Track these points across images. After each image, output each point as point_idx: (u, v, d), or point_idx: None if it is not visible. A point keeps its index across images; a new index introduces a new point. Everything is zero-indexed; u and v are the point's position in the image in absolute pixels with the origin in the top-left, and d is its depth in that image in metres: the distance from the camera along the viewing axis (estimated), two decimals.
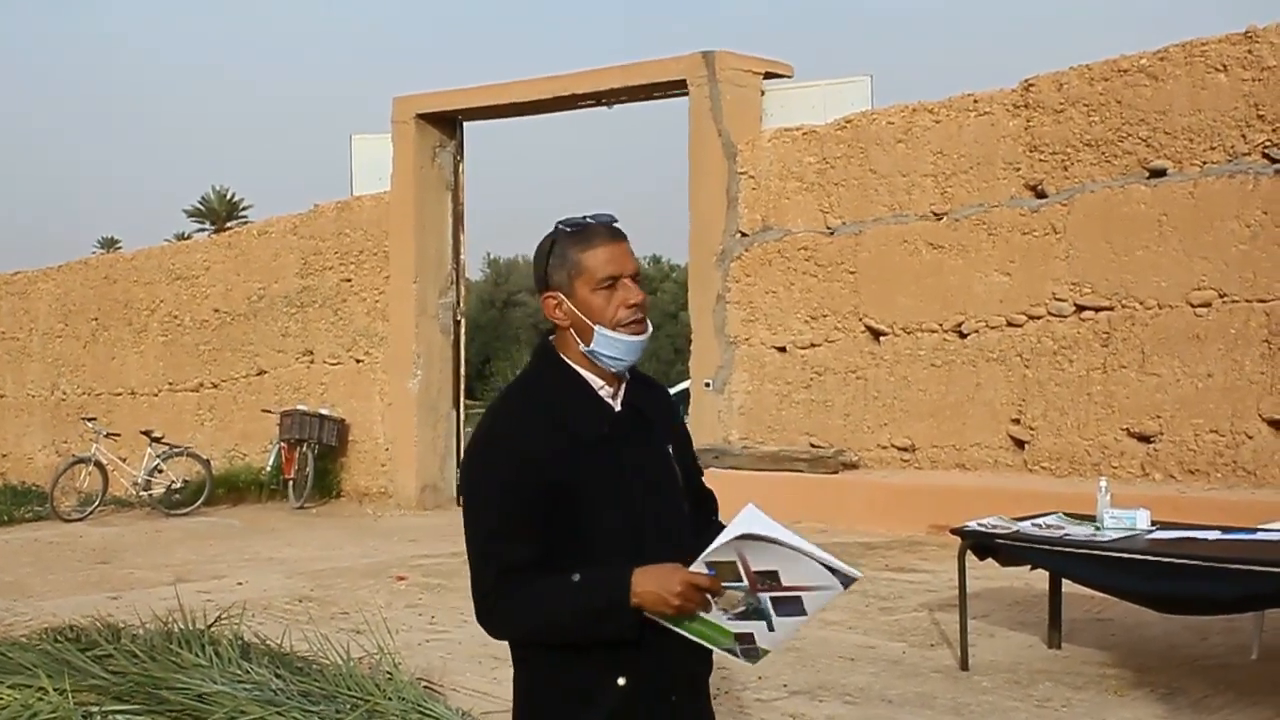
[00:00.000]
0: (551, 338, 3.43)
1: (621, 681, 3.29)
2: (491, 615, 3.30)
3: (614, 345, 3.32)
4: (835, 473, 15.55)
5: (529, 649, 3.39)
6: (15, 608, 11.72)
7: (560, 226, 3.36)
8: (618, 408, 3.40)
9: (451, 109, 19.83)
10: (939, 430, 15.28)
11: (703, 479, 3.69)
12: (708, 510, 3.61)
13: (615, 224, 3.39)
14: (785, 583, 3.22)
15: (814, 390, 16.30)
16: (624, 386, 3.43)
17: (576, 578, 3.21)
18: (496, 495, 3.26)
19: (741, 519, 3.21)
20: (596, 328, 3.30)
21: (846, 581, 3.23)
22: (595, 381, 3.38)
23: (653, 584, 3.19)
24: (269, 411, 20.71)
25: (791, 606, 3.25)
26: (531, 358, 3.47)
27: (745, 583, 3.22)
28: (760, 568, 3.20)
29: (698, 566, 3.23)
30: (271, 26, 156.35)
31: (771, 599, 3.24)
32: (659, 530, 3.34)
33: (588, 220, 3.36)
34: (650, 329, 3.40)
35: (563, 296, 3.32)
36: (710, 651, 3.43)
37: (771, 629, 3.29)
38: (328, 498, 20.31)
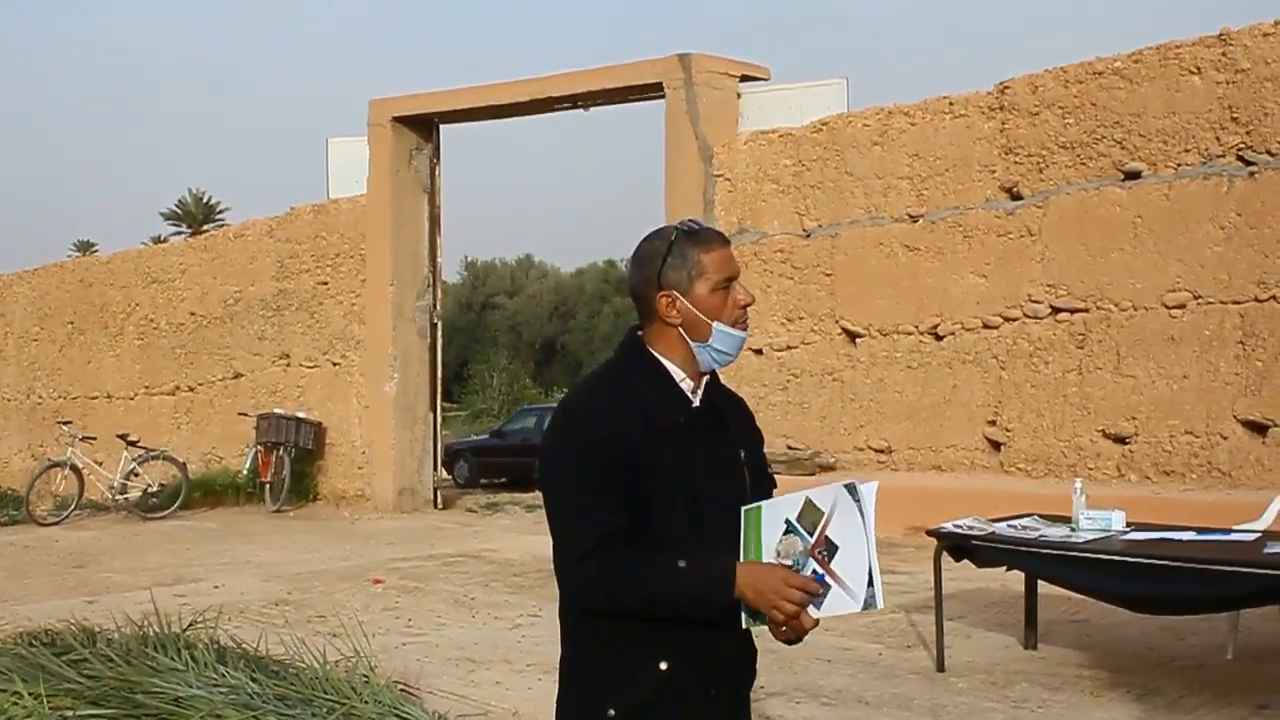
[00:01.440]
0: (640, 332, 3.53)
1: (663, 666, 3.35)
2: (589, 582, 3.34)
3: (728, 340, 3.46)
4: (812, 475, 15.54)
5: (576, 626, 3.46)
6: None
7: (678, 229, 3.49)
8: (696, 403, 3.50)
9: (428, 111, 19.83)
10: (915, 432, 15.30)
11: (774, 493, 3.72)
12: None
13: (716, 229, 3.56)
14: (832, 565, 3.28)
15: (790, 392, 16.33)
16: (704, 385, 3.53)
17: (683, 563, 3.29)
18: (582, 465, 3.34)
19: (865, 484, 3.31)
20: (715, 324, 3.44)
21: (868, 603, 3.27)
22: (678, 374, 3.49)
23: (752, 582, 3.28)
24: (245, 415, 20.68)
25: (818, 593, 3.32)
26: (618, 348, 3.58)
27: (811, 541, 3.31)
28: (831, 535, 3.29)
29: (797, 497, 3.37)
30: (249, 29, 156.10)
31: (812, 572, 3.30)
32: (717, 527, 3.41)
33: (696, 225, 3.51)
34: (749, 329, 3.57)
35: (678, 294, 3.44)
36: (755, 655, 3.57)
37: None
38: (304, 501, 20.26)
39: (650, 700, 3.35)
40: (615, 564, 3.29)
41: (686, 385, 3.48)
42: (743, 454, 3.58)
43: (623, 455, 3.31)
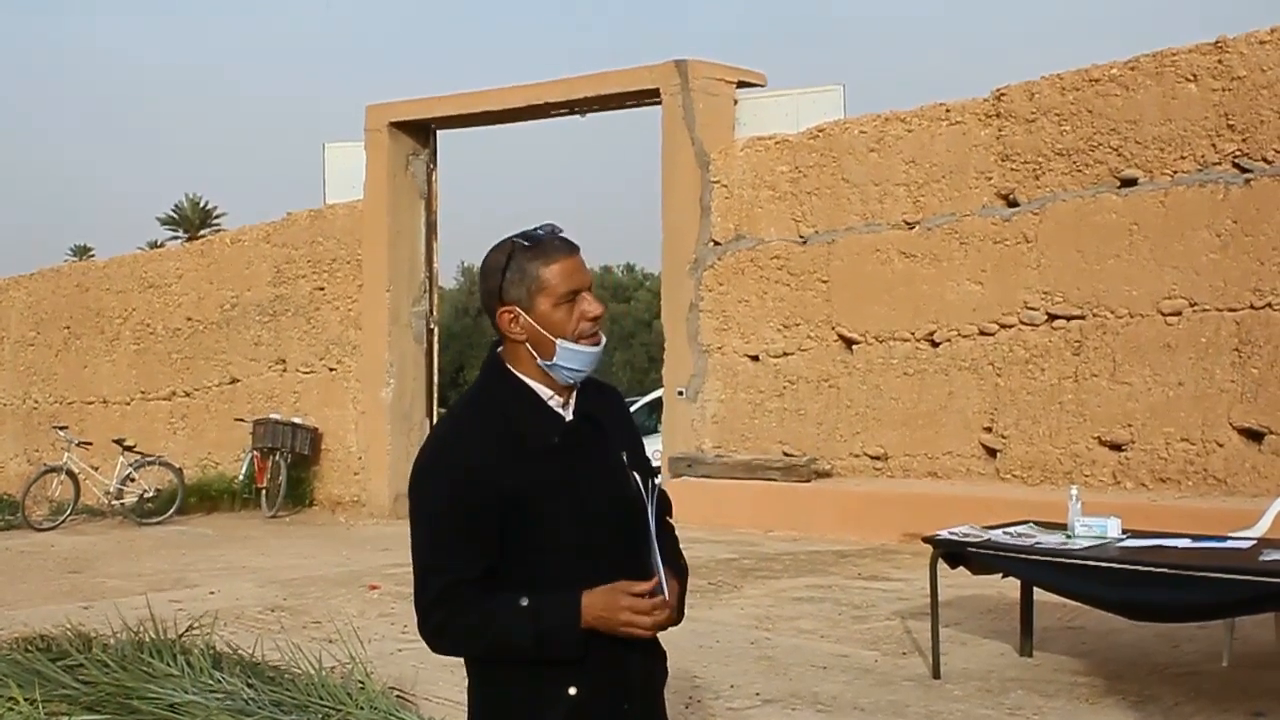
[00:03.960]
0: (499, 350, 3.43)
1: (573, 691, 3.28)
2: (434, 631, 3.31)
3: (576, 357, 3.33)
4: (808, 481, 15.57)
5: (480, 659, 3.38)
6: None
7: (516, 241, 3.34)
8: (569, 417, 3.40)
9: (424, 117, 19.84)
10: (911, 439, 15.31)
11: (656, 479, 3.61)
12: (660, 511, 3.53)
13: (565, 235, 3.39)
14: None
15: (787, 399, 16.33)
16: (574, 396, 3.43)
17: (525, 602, 3.22)
18: (443, 509, 3.27)
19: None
20: (559, 341, 3.31)
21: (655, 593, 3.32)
22: (545, 392, 3.37)
23: (600, 609, 3.22)
24: (242, 420, 20.67)
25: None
26: (480, 372, 3.46)
27: None
28: None
29: None
30: (245, 34, 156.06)
31: None
32: (616, 539, 3.34)
33: (540, 233, 3.35)
34: (604, 339, 3.40)
35: (520, 311, 3.31)
36: (663, 658, 3.52)
37: None
38: (301, 507, 20.25)
39: None
40: (456, 614, 3.25)
41: (555, 401, 3.38)
42: (625, 456, 3.46)
43: (489, 491, 3.23)
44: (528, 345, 3.34)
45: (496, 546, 3.26)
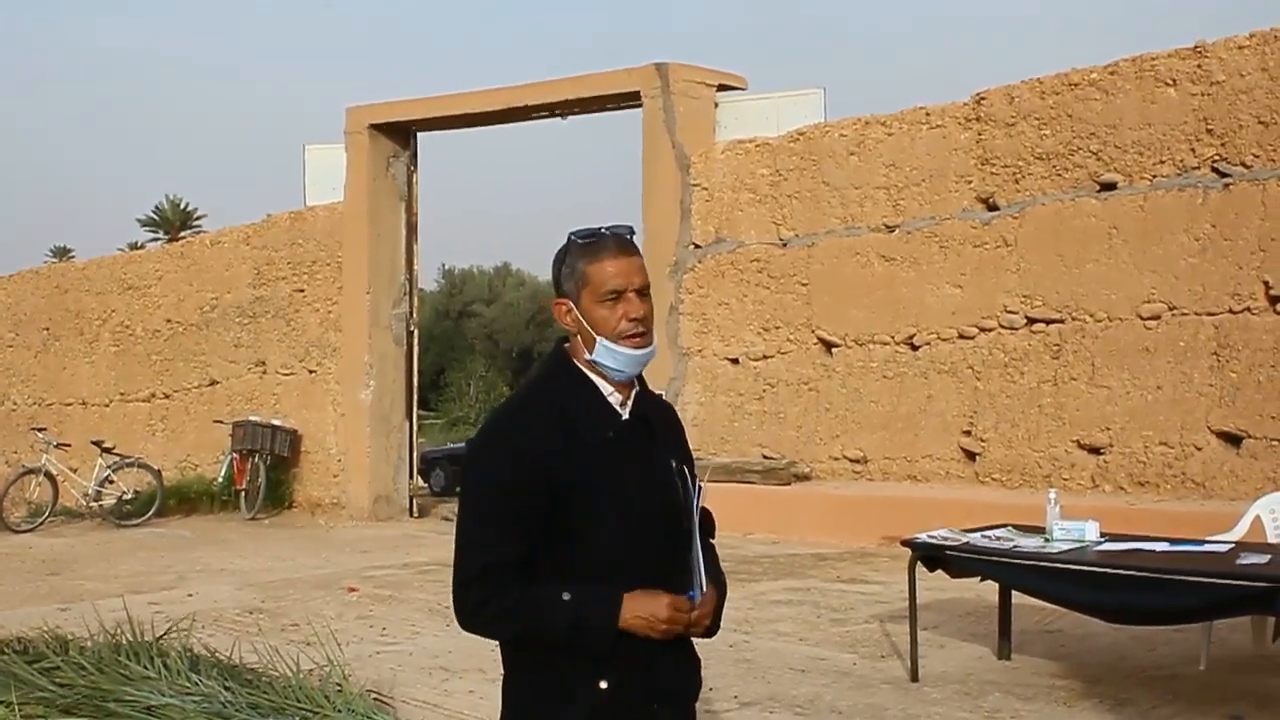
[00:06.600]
0: (567, 344, 3.49)
1: (603, 685, 3.32)
2: (468, 610, 3.36)
3: (614, 356, 3.38)
4: (787, 484, 15.58)
5: (513, 646, 3.43)
6: None
7: (572, 236, 3.43)
8: (625, 416, 3.45)
9: (405, 119, 19.82)
10: (891, 442, 15.32)
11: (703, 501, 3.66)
12: (704, 531, 3.59)
13: (629, 237, 3.46)
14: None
15: (766, 402, 16.34)
16: (633, 396, 3.48)
17: (567, 596, 3.27)
18: (492, 490, 3.33)
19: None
20: (598, 339, 3.37)
21: (701, 590, 3.42)
22: (605, 388, 3.43)
23: (642, 611, 3.29)
24: (221, 422, 20.62)
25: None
26: (546, 360, 3.53)
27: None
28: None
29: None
30: (226, 35, 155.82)
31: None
32: (657, 540, 3.39)
33: (602, 231, 3.43)
34: (654, 342, 3.45)
35: (571, 304, 3.40)
36: (696, 668, 3.57)
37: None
38: (280, 509, 20.20)
39: (591, 718, 3.33)
40: (494, 595, 3.29)
41: (615, 399, 3.44)
42: (674, 463, 3.53)
43: (539, 476, 3.28)
44: (579, 338, 3.43)
45: (539, 533, 3.31)
